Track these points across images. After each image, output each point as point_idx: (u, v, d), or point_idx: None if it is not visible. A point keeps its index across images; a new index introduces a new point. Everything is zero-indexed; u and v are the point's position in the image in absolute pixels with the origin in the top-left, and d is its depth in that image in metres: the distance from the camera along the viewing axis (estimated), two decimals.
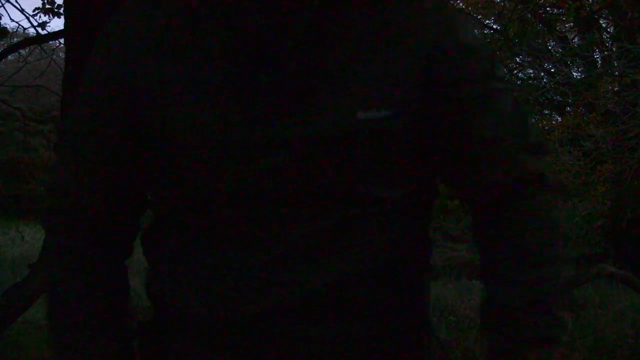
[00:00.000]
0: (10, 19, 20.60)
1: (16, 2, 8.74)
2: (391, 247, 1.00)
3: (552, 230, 1.00)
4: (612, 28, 10.75)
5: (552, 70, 11.02)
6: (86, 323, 1.02)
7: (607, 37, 11.07)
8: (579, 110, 9.93)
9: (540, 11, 9.44)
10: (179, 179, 0.97)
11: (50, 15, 5.87)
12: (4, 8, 7.89)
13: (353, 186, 0.96)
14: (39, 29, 5.97)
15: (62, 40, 5.38)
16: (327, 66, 0.95)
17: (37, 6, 7.92)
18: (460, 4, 9.77)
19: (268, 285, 0.95)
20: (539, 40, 11.00)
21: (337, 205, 0.96)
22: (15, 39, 7.47)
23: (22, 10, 12.33)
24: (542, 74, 11.22)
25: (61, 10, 5.62)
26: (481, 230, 1.03)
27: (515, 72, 11.59)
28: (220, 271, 0.97)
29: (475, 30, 1.05)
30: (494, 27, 10.58)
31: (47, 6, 5.86)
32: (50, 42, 7.45)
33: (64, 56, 4.14)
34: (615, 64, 9.47)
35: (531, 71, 11.58)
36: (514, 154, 1.00)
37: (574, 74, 10.89)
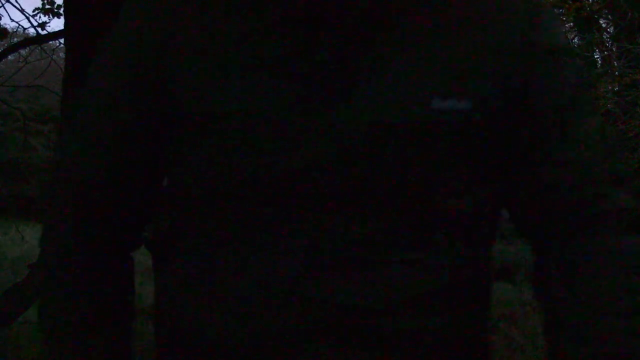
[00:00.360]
0: (10, 19, 20.63)
1: (16, 2, 8.74)
2: (449, 270, 0.84)
3: (636, 278, 0.82)
4: (612, 28, 10.76)
5: None
6: (82, 319, 0.91)
7: (607, 37, 11.07)
8: None
9: None
10: (207, 164, 0.84)
11: (50, 15, 5.89)
12: (4, 8, 7.90)
13: (415, 189, 0.82)
14: (39, 29, 5.99)
15: (62, 40, 5.39)
16: (397, 45, 0.83)
17: (37, 6, 7.92)
18: None
19: (294, 300, 0.81)
20: None
21: (391, 212, 0.81)
22: (15, 39, 7.48)
23: (22, 10, 12.35)
24: None
25: (61, 11, 5.63)
26: (546, 273, 0.87)
27: None
28: (241, 281, 0.83)
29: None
30: None
31: (47, 6, 5.88)
32: (50, 42, 7.45)
33: (64, 56, 4.14)
34: (615, 64, 9.48)
35: None
36: (598, 183, 0.85)
37: None
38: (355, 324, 0.81)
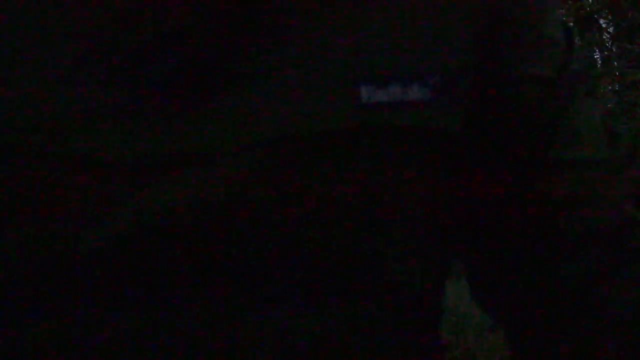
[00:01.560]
0: None
1: None
2: None
3: None
4: (612, 28, 10.80)
5: None
6: None
7: (607, 37, 11.11)
8: None
9: None
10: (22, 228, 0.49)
11: None
12: None
13: (347, 258, 0.48)
14: None
15: None
16: (296, 13, 0.49)
17: None
18: None
19: None
20: None
21: (317, 299, 0.48)
22: None
23: None
24: None
25: None
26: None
27: None
28: None
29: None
30: None
31: None
32: None
33: None
34: (615, 64, 9.51)
35: None
36: (612, 198, 0.55)
37: None
38: None
